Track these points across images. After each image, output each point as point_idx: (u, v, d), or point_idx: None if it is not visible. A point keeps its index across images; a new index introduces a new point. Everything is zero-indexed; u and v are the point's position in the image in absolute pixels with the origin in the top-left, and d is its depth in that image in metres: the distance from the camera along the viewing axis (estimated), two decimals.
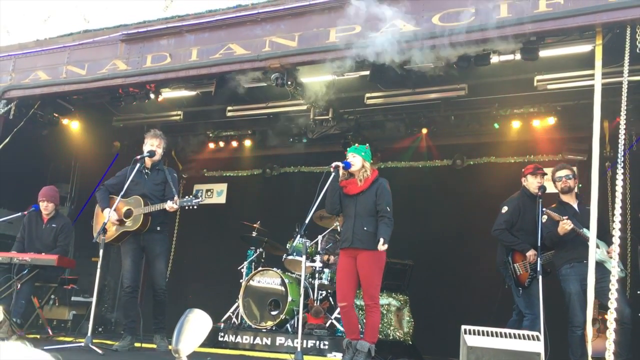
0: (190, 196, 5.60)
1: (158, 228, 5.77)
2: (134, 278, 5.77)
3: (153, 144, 5.85)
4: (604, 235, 5.09)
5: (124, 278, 5.81)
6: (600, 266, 4.78)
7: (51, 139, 8.48)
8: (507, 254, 5.78)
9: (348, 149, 5.40)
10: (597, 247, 4.79)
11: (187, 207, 5.52)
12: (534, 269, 5.48)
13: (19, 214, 6.78)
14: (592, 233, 4.61)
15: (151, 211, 5.61)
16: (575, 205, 5.51)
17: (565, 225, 5.13)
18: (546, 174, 5.83)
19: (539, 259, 5.15)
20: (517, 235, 5.75)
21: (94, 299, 5.43)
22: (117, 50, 6.95)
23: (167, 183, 5.80)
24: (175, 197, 5.54)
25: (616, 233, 4.35)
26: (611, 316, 4.12)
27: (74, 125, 8.67)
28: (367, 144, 5.39)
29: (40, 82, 7.35)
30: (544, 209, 5.31)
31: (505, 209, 5.88)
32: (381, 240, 4.91)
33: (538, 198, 5.45)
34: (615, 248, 4.40)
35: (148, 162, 5.86)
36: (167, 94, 7.67)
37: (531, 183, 5.81)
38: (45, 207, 6.68)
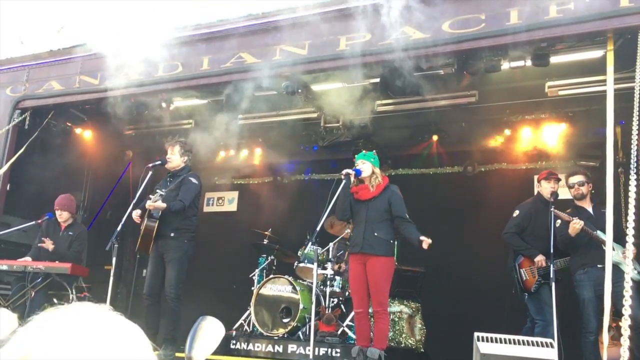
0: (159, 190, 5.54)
1: (172, 234, 5.66)
2: (150, 286, 5.78)
3: (167, 152, 5.91)
4: (620, 239, 5.03)
5: (144, 286, 5.88)
6: (616, 269, 4.72)
7: (64, 148, 8.56)
8: (515, 259, 5.77)
9: (356, 156, 5.42)
10: (612, 249, 4.75)
11: (159, 196, 5.43)
12: (542, 274, 5.46)
13: (33, 222, 6.84)
14: (608, 240, 4.56)
15: (150, 214, 5.57)
16: (590, 209, 5.49)
17: (576, 225, 5.10)
18: (560, 179, 5.81)
19: (551, 265, 5.12)
20: (527, 240, 5.73)
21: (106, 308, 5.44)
22: (129, 59, 7.00)
23: (180, 188, 5.75)
24: (152, 196, 5.48)
25: (630, 239, 4.31)
26: (625, 323, 4.07)
27: (86, 135, 8.76)
28: (375, 150, 5.41)
29: (53, 92, 7.44)
30: (552, 209, 5.28)
31: (516, 212, 5.88)
32: (422, 238, 4.96)
33: (550, 204, 5.43)
34: (629, 254, 4.36)
35: (170, 169, 5.91)
36: (178, 102, 7.73)
37: (545, 188, 5.80)
38: (60, 215, 6.75)
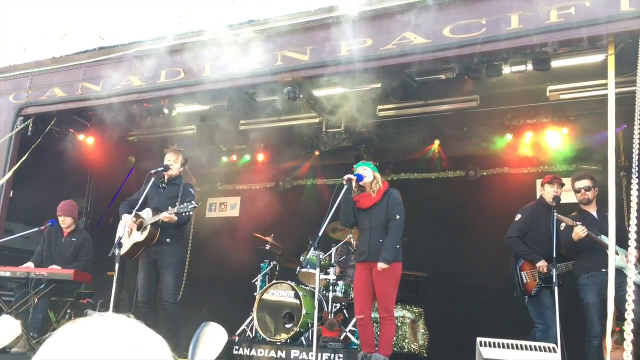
0: (186, 203, 5.55)
1: (168, 240, 5.76)
2: (146, 293, 5.80)
3: (170, 160, 5.95)
4: (624, 243, 5.02)
5: (138, 293, 5.89)
6: (620, 274, 4.71)
7: (67, 154, 8.58)
8: (516, 262, 5.76)
9: (355, 165, 5.46)
10: (616, 253, 4.74)
11: (184, 214, 5.50)
12: (543, 278, 5.46)
13: (36, 229, 6.85)
14: (610, 244, 4.56)
15: (156, 222, 5.63)
16: (594, 213, 5.47)
17: (579, 231, 5.08)
18: (564, 185, 5.80)
19: (554, 270, 5.11)
20: (530, 245, 5.72)
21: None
22: (132, 66, 7.05)
23: (180, 197, 5.82)
24: (171, 208, 5.55)
25: (632, 244, 4.31)
26: (628, 327, 4.07)
27: (89, 141, 8.78)
28: (373, 162, 5.48)
29: (56, 99, 7.47)
30: (555, 213, 5.28)
31: (519, 216, 5.86)
32: (380, 265, 4.94)
33: (553, 209, 5.42)
34: (632, 259, 4.35)
35: (166, 176, 5.95)
36: (180, 109, 7.75)
37: (548, 193, 5.79)
38: (64, 222, 6.76)
